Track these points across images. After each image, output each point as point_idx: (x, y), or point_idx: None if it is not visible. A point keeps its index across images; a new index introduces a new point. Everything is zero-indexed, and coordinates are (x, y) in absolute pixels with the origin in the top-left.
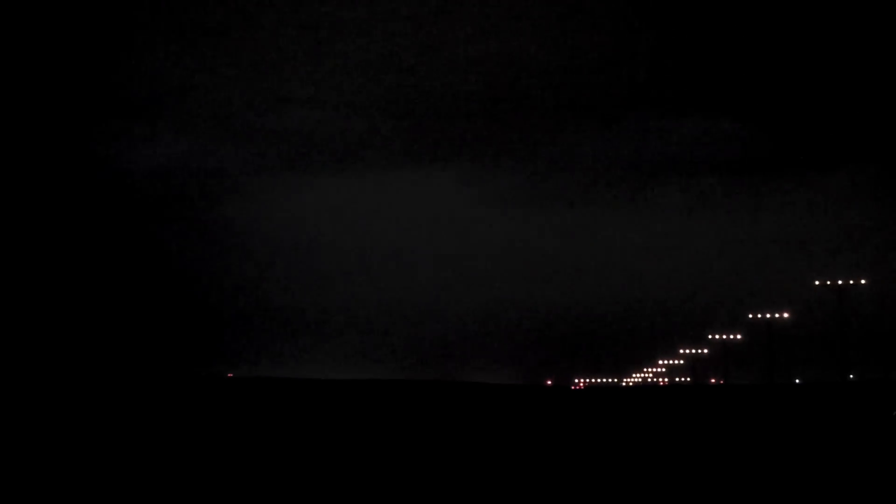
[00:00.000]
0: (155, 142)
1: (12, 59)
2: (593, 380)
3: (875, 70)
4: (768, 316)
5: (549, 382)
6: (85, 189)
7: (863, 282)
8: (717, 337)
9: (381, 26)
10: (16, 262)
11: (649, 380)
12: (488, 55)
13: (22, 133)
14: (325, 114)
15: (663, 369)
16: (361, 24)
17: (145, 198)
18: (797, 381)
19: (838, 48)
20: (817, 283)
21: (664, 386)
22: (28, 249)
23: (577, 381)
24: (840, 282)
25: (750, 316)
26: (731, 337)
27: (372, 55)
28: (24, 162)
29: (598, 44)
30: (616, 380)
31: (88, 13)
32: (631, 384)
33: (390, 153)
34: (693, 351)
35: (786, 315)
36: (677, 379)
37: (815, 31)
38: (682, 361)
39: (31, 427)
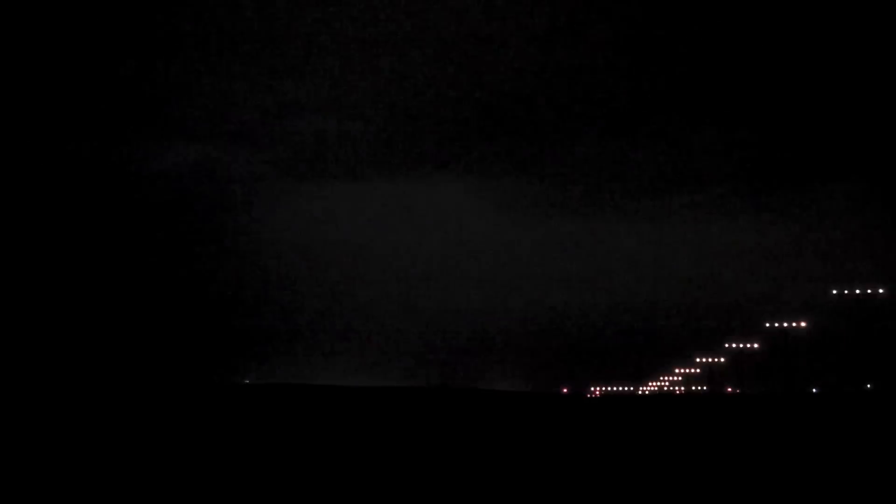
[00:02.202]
0: (164, 147)
1: (19, 63)
2: (609, 388)
3: (894, 77)
4: (785, 325)
5: (565, 390)
6: (96, 195)
7: (881, 291)
8: (733, 346)
9: (391, 33)
10: (26, 270)
11: (665, 388)
12: (499, 62)
13: (30, 138)
14: (333, 121)
15: (679, 378)
16: (370, 31)
17: (156, 203)
18: (814, 390)
19: (857, 54)
20: (835, 292)
21: (680, 395)
22: (37, 256)
23: (592, 389)
24: (858, 291)
25: (767, 325)
26: (748, 346)
27: (380, 62)
28: (32, 167)
29: (610, 52)
30: (632, 388)
31: (96, 17)
32: (647, 392)
33: (400, 160)
34: (709, 360)
35: (803, 324)
36: (693, 388)
37: (831, 39)
38: (698, 370)
39: (47, 434)
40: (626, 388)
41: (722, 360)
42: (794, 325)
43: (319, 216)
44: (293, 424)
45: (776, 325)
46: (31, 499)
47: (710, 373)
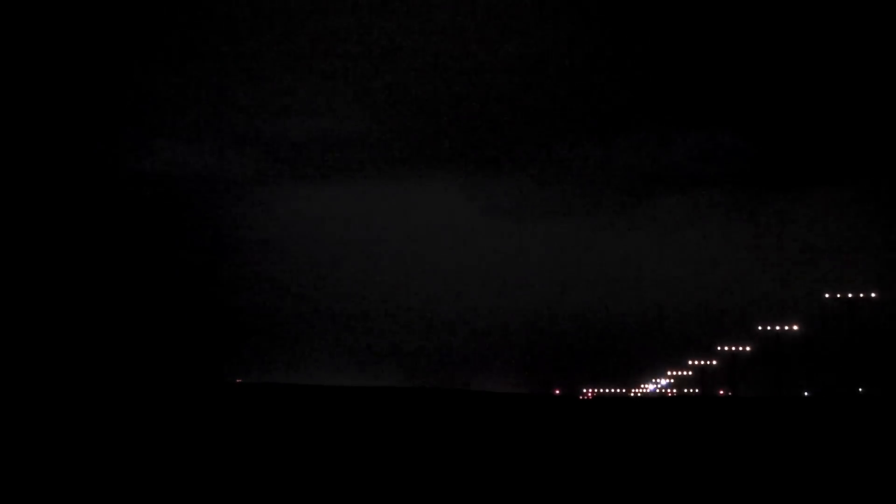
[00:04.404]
0: (159, 148)
1: (15, 62)
2: (601, 390)
3: (885, 80)
4: (778, 328)
5: (557, 392)
6: (90, 195)
7: (873, 295)
8: (725, 349)
9: (385, 36)
10: (21, 269)
11: (657, 391)
12: (491, 66)
13: (24, 137)
14: (327, 122)
15: (671, 380)
16: (365, 33)
17: (150, 203)
18: (806, 393)
19: (846, 58)
20: (827, 295)
21: (672, 397)
22: (32, 255)
23: (584, 391)
24: (850, 294)
25: (759, 328)
26: (740, 349)
27: (374, 65)
28: (27, 166)
29: (600, 54)
30: (624, 390)
31: (91, 17)
32: (639, 395)
33: (393, 163)
34: (702, 362)
35: (795, 327)
36: (685, 390)
37: (818, 41)
38: (690, 373)
39: (43, 433)
40: (618, 390)
41: (714, 362)
42: (786, 328)
43: (315, 217)
44: (285, 424)
45: (768, 327)
46: (26, 497)
47: (702, 375)
